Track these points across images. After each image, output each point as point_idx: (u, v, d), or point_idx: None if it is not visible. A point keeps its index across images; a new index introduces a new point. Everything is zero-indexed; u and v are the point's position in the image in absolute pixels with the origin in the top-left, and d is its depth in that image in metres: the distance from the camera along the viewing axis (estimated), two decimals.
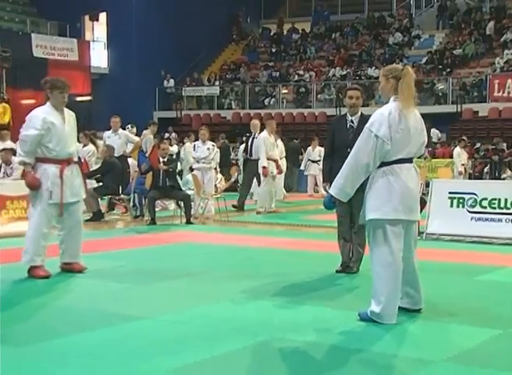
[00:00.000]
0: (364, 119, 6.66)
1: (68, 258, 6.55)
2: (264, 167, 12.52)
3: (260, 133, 12.92)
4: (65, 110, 6.51)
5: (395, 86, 4.65)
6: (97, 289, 5.96)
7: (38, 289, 5.97)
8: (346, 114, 6.77)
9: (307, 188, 18.22)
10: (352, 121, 6.64)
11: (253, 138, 13.03)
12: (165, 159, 11.25)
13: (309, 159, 17.79)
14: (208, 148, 12.25)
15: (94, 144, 12.62)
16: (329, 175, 6.76)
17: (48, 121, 6.29)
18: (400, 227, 4.64)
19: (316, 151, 17.28)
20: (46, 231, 6.37)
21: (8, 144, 14.03)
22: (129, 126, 14.30)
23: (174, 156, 15.54)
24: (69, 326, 4.69)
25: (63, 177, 6.33)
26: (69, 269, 6.52)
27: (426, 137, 4.84)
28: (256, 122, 13.61)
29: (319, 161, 15.88)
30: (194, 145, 12.62)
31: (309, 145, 18.15)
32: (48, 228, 6.40)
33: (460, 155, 17.52)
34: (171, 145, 17.01)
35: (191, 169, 13.02)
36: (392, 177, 4.59)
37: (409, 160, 4.69)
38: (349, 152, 6.48)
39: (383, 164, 4.63)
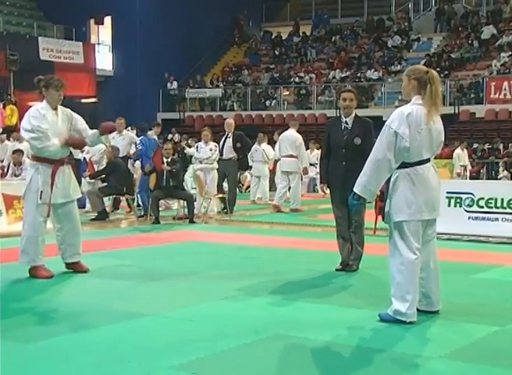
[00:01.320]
0: (359, 120, 6.68)
1: (69, 258, 6.51)
2: (305, 168, 13.14)
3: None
4: (60, 108, 6.39)
5: (417, 87, 4.62)
6: (102, 287, 5.96)
7: (42, 287, 5.97)
8: (340, 116, 6.77)
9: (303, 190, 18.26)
10: (346, 122, 6.65)
11: (226, 138, 12.43)
12: (169, 160, 11.26)
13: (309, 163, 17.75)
14: (211, 149, 12.24)
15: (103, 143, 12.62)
16: (326, 175, 6.78)
17: (46, 119, 6.20)
18: (419, 226, 4.64)
19: (314, 155, 17.19)
20: (42, 230, 6.29)
21: (25, 145, 14.06)
22: (129, 128, 14.24)
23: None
24: (73, 324, 4.69)
25: (55, 177, 6.24)
26: (72, 268, 6.50)
27: (443, 137, 4.80)
28: (230, 121, 12.80)
29: (317, 164, 15.89)
30: (197, 146, 12.62)
31: (307, 148, 18.05)
32: (43, 227, 6.32)
33: (459, 156, 17.42)
34: (189, 147, 16.92)
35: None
36: (416, 179, 4.58)
37: (428, 160, 4.67)
38: (344, 153, 6.53)
39: (406, 165, 4.59)
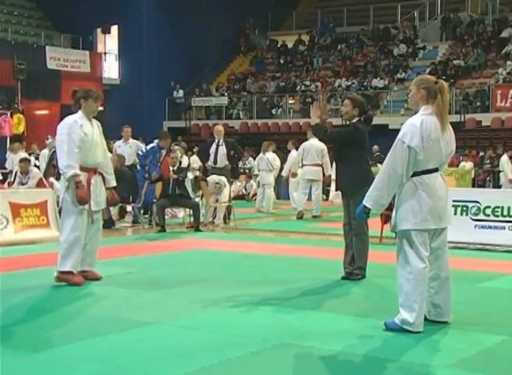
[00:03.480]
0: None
1: (86, 266, 6.53)
2: (329, 175, 13.51)
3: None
4: (93, 120, 6.50)
5: (425, 96, 4.61)
6: (108, 295, 5.96)
7: (48, 296, 5.97)
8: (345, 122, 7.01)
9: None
10: (350, 127, 6.75)
11: (217, 145, 12.25)
12: (175, 168, 11.27)
13: None
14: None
15: (111, 151, 12.66)
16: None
17: (84, 129, 6.28)
18: (426, 236, 4.59)
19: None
20: (82, 237, 6.34)
21: (22, 155, 14.11)
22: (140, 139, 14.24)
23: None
24: (80, 332, 4.69)
25: (90, 185, 6.33)
26: (84, 276, 6.50)
27: (454, 146, 4.78)
28: (220, 128, 12.57)
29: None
30: None
31: None
32: (84, 234, 6.36)
33: (508, 162, 17.12)
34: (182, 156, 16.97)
35: (195, 178, 13.05)
36: (421, 187, 4.56)
37: (437, 169, 4.64)
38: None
39: (413, 174, 4.57)
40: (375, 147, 18.58)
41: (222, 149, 12.22)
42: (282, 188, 16.95)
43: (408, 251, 4.58)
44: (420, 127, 4.49)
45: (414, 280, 4.53)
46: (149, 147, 12.27)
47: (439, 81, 4.66)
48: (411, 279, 4.54)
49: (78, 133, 6.22)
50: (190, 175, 13.16)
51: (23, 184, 11.78)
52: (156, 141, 12.72)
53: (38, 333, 4.65)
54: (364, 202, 4.68)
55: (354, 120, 6.65)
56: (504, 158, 16.80)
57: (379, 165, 19.90)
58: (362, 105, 6.70)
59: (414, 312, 4.52)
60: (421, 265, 4.55)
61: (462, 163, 18.83)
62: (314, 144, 13.40)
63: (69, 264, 6.28)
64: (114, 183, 6.73)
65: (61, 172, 6.40)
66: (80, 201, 6.20)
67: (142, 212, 12.27)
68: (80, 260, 6.50)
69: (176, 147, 12.67)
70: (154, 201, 11.61)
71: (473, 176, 18.27)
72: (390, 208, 9.60)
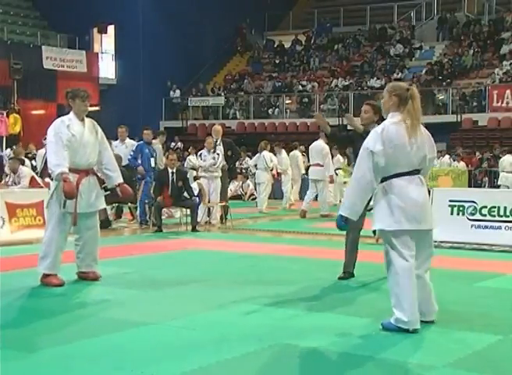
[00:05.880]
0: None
1: (84, 267, 6.54)
2: (331, 176, 13.97)
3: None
4: (87, 120, 6.45)
5: (397, 103, 4.73)
6: (105, 295, 5.96)
7: (44, 296, 5.97)
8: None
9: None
10: (367, 133, 6.68)
11: (215, 145, 12.24)
12: (174, 170, 11.23)
13: None
14: (214, 158, 12.23)
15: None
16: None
17: (71, 129, 6.25)
18: (407, 237, 4.63)
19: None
20: (61, 239, 6.32)
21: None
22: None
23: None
24: (76, 332, 4.69)
25: (79, 187, 6.27)
26: (84, 277, 6.51)
27: (431, 151, 4.81)
28: (218, 128, 12.60)
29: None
30: (201, 154, 12.59)
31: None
32: (63, 236, 6.35)
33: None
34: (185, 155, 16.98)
35: (195, 179, 13.04)
36: (391, 191, 4.65)
37: (410, 173, 4.68)
38: None
39: (383, 179, 4.68)
40: None
41: (220, 149, 12.23)
42: (277, 187, 16.99)
43: (390, 252, 4.66)
44: (381, 134, 4.63)
45: (401, 278, 4.58)
46: (134, 148, 12.24)
47: (410, 88, 4.77)
48: (397, 278, 4.59)
49: (65, 133, 6.21)
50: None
51: (15, 184, 11.80)
52: (154, 141, 12.71)
53: (34, 334, 4.65)
54: (339, 212, 4.75)
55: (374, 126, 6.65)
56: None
57: None
58: (381, 111, 6.79)
59: (405, 310, 4.55)
60: (404, 263, 4.59)
61: (454, 163, 18.95)
62: (316, 144, 13.67)
63: (42, 266, 6.28)
64: (120, 180, 6.65)
65: (49, 171, 6.38)
66: (66, 194, 6.08)
67: (138, 212, 12.25)
68: (78, 262, 6.51)
69: (154, 140, 12.55)
70: (147, 201, 11.63)
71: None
72: None
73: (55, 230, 6.30)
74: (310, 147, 14.12)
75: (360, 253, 6.84)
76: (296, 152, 16.70)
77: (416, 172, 4.72)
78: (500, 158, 17.94)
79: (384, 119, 6.80)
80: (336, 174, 15.33)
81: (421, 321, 4.78)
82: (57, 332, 4.72)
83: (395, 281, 4.61)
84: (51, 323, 5.00)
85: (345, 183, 18.64)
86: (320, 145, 13.56)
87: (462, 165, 19.17)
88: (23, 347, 4.31)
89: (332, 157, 14.76)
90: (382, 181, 4.68)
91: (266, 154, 15.42)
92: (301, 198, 18.15)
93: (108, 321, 4.98)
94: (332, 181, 14.72)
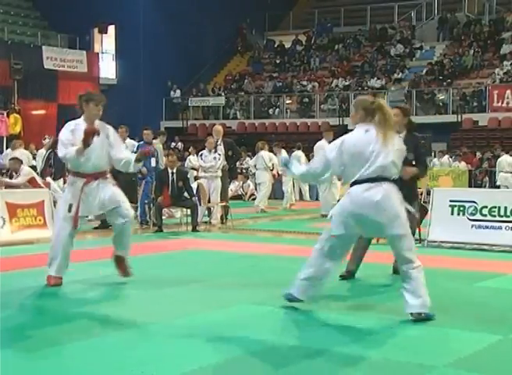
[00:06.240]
0: (410, 136, 6.70)
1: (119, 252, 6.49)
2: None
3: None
4: (97, 123, 6.35)
5: (364, 116, 5.03)
6: (105, 295, 5.96)
7: (45, 296, 5.97)
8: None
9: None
10: (399, 137, 6.66)
11: (216, 145, 12.24)
12: (174, 170, 11.23)
13: None
14: (215, 158, 12.23)
15: None
16: None
17: (76, 134, 6.21)
18: (345, 240, 5.08)
19: None
20: (66, 242, 6.31)
21: (18, 154, 14.11)
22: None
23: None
24: (76, 332, 4.69)
25: (85, 191, 6.23)
26: (117, 266, 6.45)
27: (390, 159, 4.94)
28: (219, 128, 12.58)
29: None
30: (201, 154, 12.58)
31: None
32: (69, 240, 6.33)
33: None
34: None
35: (195, 179, 13.05)
36: (348, 196, 5.01)
37: (370, 180, 4.90)
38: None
39: (351, 184, 5.02)
40: None
41: (220, 149, 12.24)
42: (278, 187, 17.00)
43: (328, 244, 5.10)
44: (340, 144, 5.02)
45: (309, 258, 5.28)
46: (134, 148, 12.21)
47: (375, 101, 5.05)
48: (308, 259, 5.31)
49: (67, 138, 6.21)
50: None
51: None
52: (155, 141, 12.71)
53: (34, 334, 4.65)
54: (290, 164, 5.33)
55: (404, 131, 6.65)
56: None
57: None
58: (410, 114, 6.85)
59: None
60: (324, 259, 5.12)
61: (455, 163, 18.98)
62: (320, 144, 13.60)
63: (52, 269, 6.30)
64: (132, 157, 6.46)
65: (64, 161, 6.44)
66: (86, 130, 6.09)
67: (138, 212, 12.25)
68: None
69: (155, 140, 12.52)
70: (147, 201, 11.63)
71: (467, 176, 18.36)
72: None
73: (59, 233, 6.31)
74: (315, 147, 14.08)
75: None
76: (299, 152, 16.67)
77: (376, 179, 4.91)
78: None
79: (412, 123, 6.87)
80: None
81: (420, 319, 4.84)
82: (56, 332, 4.72)
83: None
84: (51, 323, 5.00)
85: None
86: (321, 146, 13.56)
87: (463, 165, 19.18)
88: (24, 347, 4.31)
89: None
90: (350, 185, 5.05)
91: (264, 154, 15.44)
92: (311, 197, 18.21)
93: (108, 321, 4.99)
94: (339, 179, 14.77)
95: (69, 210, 6.24)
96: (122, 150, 6.51)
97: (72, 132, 6.24)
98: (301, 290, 5.26)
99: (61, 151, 6.23)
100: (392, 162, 4.94)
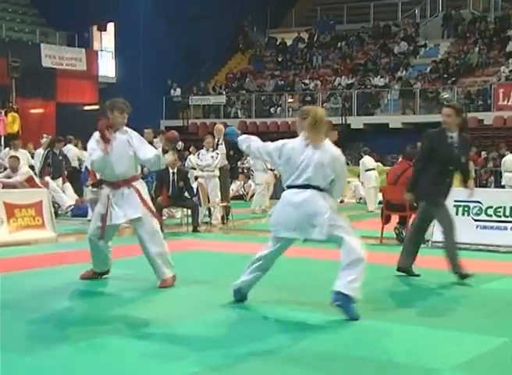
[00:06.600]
0: (462, 137, 6.68)
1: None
2: None
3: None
4: (124, 129, 6.48)
5: (301, 124, 5.34)
6: (105, 297, 5.97)
7: (45, 297, 5.97)
8: (444, 129, 6.73)
9: None
10: (452, 137, 6.64)
11: (217, 144, 12.33)
12: (175, 170, 11.23)
13: None
14: (212, 156, 12.22)
15: None
16: (415, 186, 6.76)
17: (100, 144, 6.32)
18: (277, 242, 5.39)
19: None
20: (95, 247, 6.47)
21: (19, 154, 14.12)
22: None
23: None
24: (75, 335, 4.69)
25: (110, 199, 6.33)
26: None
27: (332, 172, 5.17)
28: (220, 126, 12.48)
29: None
30: (199, 153, 12.59)
31: None
32: (98, 244, 6.45)
33: None
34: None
35: (196, 178, 13.05)
36: (280, 201, 5.30)
37: (300, 186, 5.14)
38: (450, 169, 6.61)
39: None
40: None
41: (222, 148, 12.24)
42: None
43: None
44: (282, 145, 5.32)
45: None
46: None
47: (311, 110, 5.32)
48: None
49: (92, 148, 6.40)
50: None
51: (9, 178, 11.94)
52: (155, 140, 12.72)
53: (33, 336, 4.65)
54: (239, 137, 5.54)
55: (456, 131, 6.62)
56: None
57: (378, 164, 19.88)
58: (462, 112, 6.80)
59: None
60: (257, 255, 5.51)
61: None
62: None
63: (92, 264, 6.59)
64: (156, 152, 6.46)
65: (94, 169, 6.84)
66: (100, 127, 6.33)
67: None
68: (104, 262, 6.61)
69: (155, 140, 12.45)
70: None
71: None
72: (392, 209, 9.64)
73: (89, 238, 6.50)
74: None
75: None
76: None
77: (310, 187, 5.13)
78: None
79: (465, 123, 6.83)
80: None
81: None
82: (54, 334, 4.72)
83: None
84: (50, 325, 5.00)
85: (349, 182, 18.70)
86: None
87: (470, 165, 19.07)
88: (22, 349, 4.31)
89: None
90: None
91: None
92: None
93: (107, 323, 4.99)
94: None
95: (99, 219, 6.41)
96: (148, 149, 6.50)
97: (97, 142, 6.37)
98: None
99: (87, 161, 6.39)
100: (326, 174, 5.15)
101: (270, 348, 4.35)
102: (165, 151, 6.33)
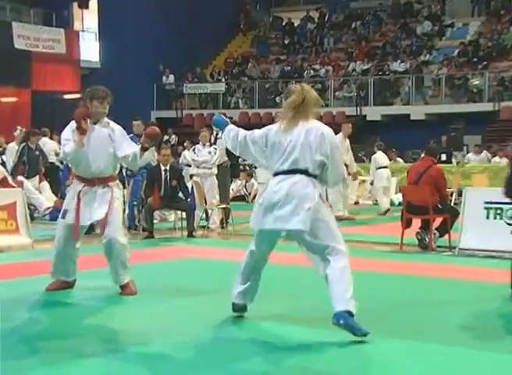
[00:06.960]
0: None
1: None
2: (355, 173, 14.75)
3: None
4: (105, 121, 6.55)
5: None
6: (93, 309, 6.01)
7: (34, 308, 6.03)
8: None
9: None
10: None
11: (215, 138, 12.45)
12: (167, 167, 11.26)
13: None
14: (210, 152, 12.22)
15: None
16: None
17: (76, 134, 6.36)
18: (262, 236, 5.53)
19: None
20: (62, 249, 6.53)
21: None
22: None
23: None
24: (69, 351, 4.70)
25: (80, 197, 6.36)
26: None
27: (317, 152, 5.20)
28: None
29: None
30: (194, 148, 12.59)
31: None
32: (65, 246, 6.52)
33: None
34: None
35: (191, 177, 13.06)
36: (266, 189, 5.33)
37: (286, 172, 5.21)
38: None
39: None
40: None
41: (221, 143, 12.24)
42: None
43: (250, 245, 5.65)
44: (268, 131, 5.41)
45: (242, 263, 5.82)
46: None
47: (294, 87, 5.57)
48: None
49: (67, 138, 6.41)
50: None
51: None
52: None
53: (22, 353, 4.67)
54: (226, 127, 5.64)
55: None
56: None
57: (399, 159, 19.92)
58: None
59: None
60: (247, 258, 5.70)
61: (495, 159, 18.89)
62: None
63: (52, 273, 6.61)
64: (136, 148, 6.49)
65: (67, 161, 7.03)
66: (76, 114, 6.33)
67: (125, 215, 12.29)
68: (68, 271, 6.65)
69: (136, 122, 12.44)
70: (135, 203, 11.67)
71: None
72: (413, 211, 9.65)
73: (57, 239, 6.56)
74: None
75: (360, 260, 6.86)
76: None
77: (298, 171, 5.19)
78: None
79: None
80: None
81: None
82: (48, 350, 4.76)
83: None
84: (40, 339, 5.03)
85: (364, 181, 18.69)
86: (341, 141, 13.54)
87: (504, 161, 19.09)
88: (10, 368, 4.33)
89: None
90: None
91: None
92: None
93: (97, 338, 5.03)
94: (355, 178, 15.25)
95: (64, 216, 6.42)
96: (128, 145, 6.52)
97: (73, 132, 6.40)
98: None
99: (61, 152, 6.45)
100: (312, 157, 5.19)
101: (274, 363, 4.39)
102: (144, 149, 6.35)
